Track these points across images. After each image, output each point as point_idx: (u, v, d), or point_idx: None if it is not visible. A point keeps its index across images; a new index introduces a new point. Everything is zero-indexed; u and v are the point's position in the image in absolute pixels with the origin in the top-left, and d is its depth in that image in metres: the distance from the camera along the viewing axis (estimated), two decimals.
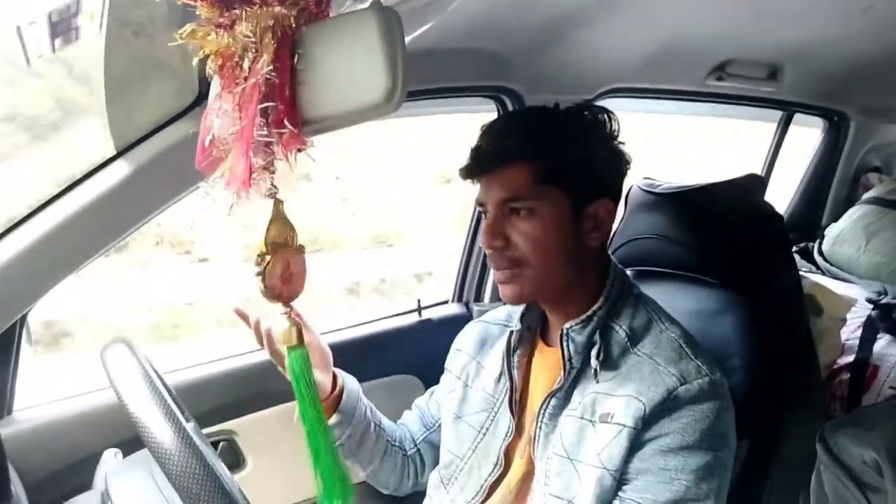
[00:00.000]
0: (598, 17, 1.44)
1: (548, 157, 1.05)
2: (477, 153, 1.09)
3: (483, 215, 1.11)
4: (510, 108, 1.69)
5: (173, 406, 0.95)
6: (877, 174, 2.53)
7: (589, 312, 1.09)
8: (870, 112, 2.44)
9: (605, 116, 1.11)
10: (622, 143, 1.12)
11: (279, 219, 0.74)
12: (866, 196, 2.13)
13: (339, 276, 4.99)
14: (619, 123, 1.12)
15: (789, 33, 1.72)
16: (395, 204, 5.83)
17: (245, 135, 0.66)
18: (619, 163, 1.12)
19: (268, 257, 0.74)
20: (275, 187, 0.70)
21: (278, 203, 0.73)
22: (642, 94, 1.95)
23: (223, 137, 0.68)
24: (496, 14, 1.38)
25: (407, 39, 0.89)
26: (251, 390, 1.48)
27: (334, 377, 1.22)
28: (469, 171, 1.10)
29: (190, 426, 1.00)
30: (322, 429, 0.94)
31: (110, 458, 1.14)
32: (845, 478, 1.09)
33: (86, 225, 1.15)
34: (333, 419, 1.20)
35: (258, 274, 0.75)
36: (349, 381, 1.24)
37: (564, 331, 1.09)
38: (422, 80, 1.50)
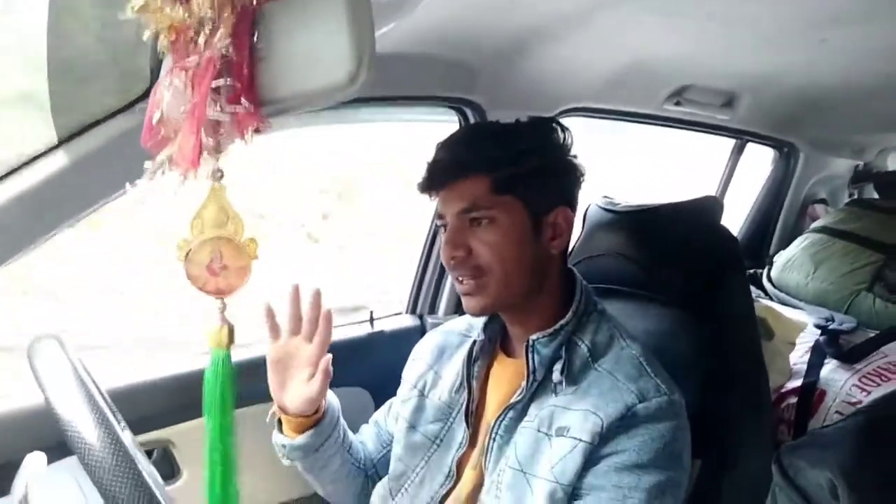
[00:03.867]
0: (565, 33, 1.44)
1: (504, 167, 1.06)
2: (434, 166, 1.10)
3: (442, 229, 1.10)
4: (472, 120, 1.68)
5: (106, 409, 0.89)
6: (823, 206, 2.61)
7: (556, 326, 1.09)
8: (818, 145, 2.53)
9: (559, 129, 1.13)
10: (575, 157, 1.14)
11: (216, 205, 0.68)
12: (814, 225, 2.19)
13: None
14: (572, 137, 1.14)
15: (748, 62, 1.76)
16: None
17: (197, 112, 0.62)
18: (575, 173, 1.14)
19: (191, 244, 0.69)
20: (220, 171, 0.65)
21: (217, 188, 0.68)
22: (601, 115, 1.96)
23: (172, 116, 0.64)
24: (464, 22, 1.37)
25: None
26: (190, 397, 1.40)
27: None
28: (427, 185, 1.10)
29: (124, 433, 0.94)
30: (224, 448, 0.88)
31: (32, 463, 1.06)
32: (799, 500, 1.09)
33: (19, 216, 1.08)
34: (304, 438, 1.17)
35: (179, 260, 0.69)
36: (332, 405, 1.21)
37: (530, 342, 1.08)
38: (385, 85, 1.47)
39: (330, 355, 1.15)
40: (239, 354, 1.44)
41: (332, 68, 0.62)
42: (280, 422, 1.21)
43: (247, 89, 0.63)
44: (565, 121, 1.75)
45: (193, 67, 0.63)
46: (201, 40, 0.63)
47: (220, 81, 0.62)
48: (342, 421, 1.23)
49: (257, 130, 0.65)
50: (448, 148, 1.12)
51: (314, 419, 1.17)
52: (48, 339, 0.95)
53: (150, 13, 0.66)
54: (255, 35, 0.65)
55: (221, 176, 0.66)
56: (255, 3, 0.63)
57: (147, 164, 0.66)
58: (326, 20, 0.62)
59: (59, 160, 1.09)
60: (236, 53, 0.62)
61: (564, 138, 1.13)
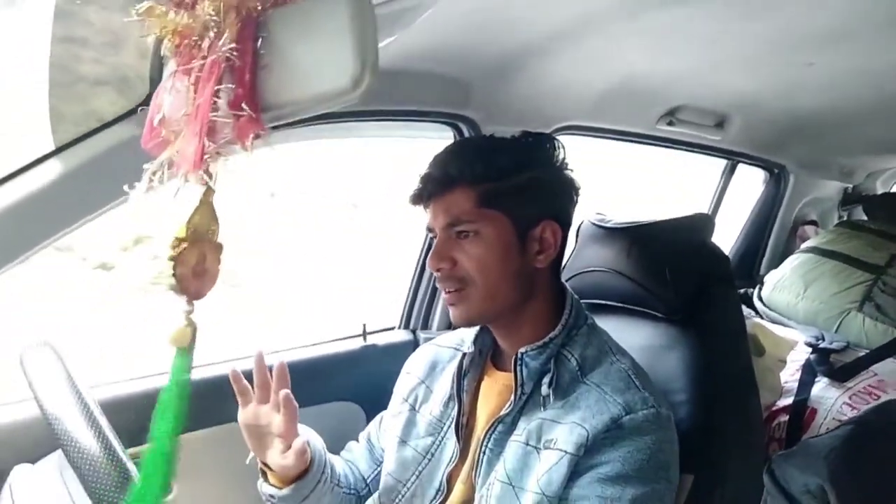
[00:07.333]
0: (558, 50, 1.46)
1: (489, 181, 1.07)
2: (423, 179, 1.12)
3: (433, 240, 1.12)
4: (467, 136, 1.69)
5: (97, 413, 0.88)
6: (814, 227, 2.63)
7: (545, 339, 1.09)
8: (807, 167, 2.56)
9: (551, 143, 1.14)
10: (570, 171, 1.14)
11: (207, 207, 0.69)
12: (804, 245, 2.20)
13: None
14: (565, 151, 1.15)
15: (738, 84, 1.79)
16: None
17: (200, 114, 0.62)
18: (567, 188, 1.14)
19: (185, 244, 0.69)
20: (210, 174, 0.66)
21: (209, 190, 0.68)
22: (595, 133, 1.98)
23: (174, 118, 0.64)
24: (459, 38, 1.38)
25: None
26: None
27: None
28: (416, 198, 1.12)
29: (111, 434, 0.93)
30: (168, 452, 0.84)
31: (19, 475, 1.05)
32: None
33: (12, 225, 1.07)
34: (291, 490, 1.12)
35: (171, 259, 0.69)
36: (316, 450, 1.17)
37: (519, 355, 1.08)
38: (381, 100, 1.49)
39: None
40: (207, 371, 1.43)
41: (336, 73, 0.62)
42: (263, 470, 1.16)
43: (248, 95, 0.63)
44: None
45: (197, 71, 0.63)
46: (205, 45, 0.64)
47: (223, 86, 0.63)
48: (328, 460, 1.20)
49: (257, 137, 0.65)
50: (437, 162, 1.13)
51: (299, 472, 1.13)
52: (42, 345, 0.95)
53: (154, 17, 0.67)
54: (259, 41, 0.66)
55: (213, 178, 0.66)
56: (259, 9, 0.64)
57: (146, 166, 0.67)
58: (330, 26, 0.63)
59: (55, 168, 1.09)
60: (239, 59, 0.63)
61: (555, 153, 1.13)
